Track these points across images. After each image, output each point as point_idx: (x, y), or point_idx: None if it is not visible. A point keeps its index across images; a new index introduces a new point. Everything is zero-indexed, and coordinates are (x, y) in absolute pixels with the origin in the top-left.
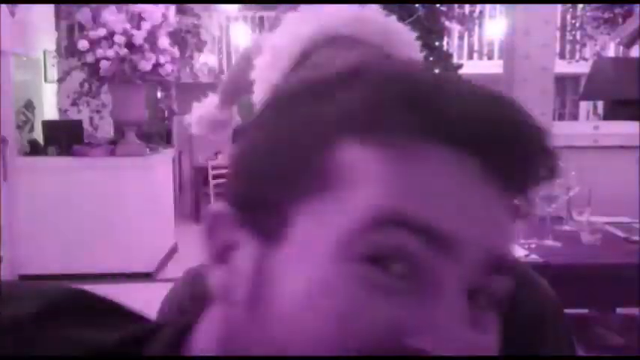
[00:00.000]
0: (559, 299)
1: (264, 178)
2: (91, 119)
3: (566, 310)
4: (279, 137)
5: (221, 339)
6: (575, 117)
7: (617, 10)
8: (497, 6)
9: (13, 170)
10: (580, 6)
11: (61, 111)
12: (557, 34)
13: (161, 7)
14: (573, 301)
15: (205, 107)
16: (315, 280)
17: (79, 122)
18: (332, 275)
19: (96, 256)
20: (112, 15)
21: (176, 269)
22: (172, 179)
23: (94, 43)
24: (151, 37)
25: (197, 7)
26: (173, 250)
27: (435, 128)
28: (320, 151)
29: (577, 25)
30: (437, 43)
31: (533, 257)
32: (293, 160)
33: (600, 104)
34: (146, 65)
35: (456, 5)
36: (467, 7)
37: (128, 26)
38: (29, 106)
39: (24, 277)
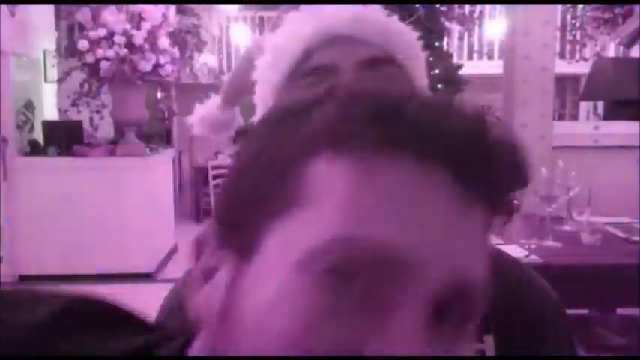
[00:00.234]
0: (559, 299)
1: (242, 199)
2: (91, 119)
3: (566, 310)
4: (257, 159)
5: (207, 351)
6: (575, 117)
7: (617, 10)
8: (497, 6)
9: (13, 170)
10: (580, 6)
11: (61, 111)
12: (557, 34)
13: (161, 7)
14: (573, 301)
15: (207, 108)
16: (280, 290)
17: (79, 122)
18: (296, 284)
19: (96, 256)
20: (112, 15)
21: (176, 269)
22: (172, 179)
23: (94, 44)
24: (151, 38)
25: (197, 7)
26: (173, 251)
27: (400, 141)
28: (290, 170)
29: (577, 25)
30: (437, 43)
31: (533, 257)
32: (266, 180)
33: (600, 104)
34: (146, 65)
35: (456, 5)
36: (467, 7)
37: (128, 26)
38: (29, 106)
39: (24, 277)
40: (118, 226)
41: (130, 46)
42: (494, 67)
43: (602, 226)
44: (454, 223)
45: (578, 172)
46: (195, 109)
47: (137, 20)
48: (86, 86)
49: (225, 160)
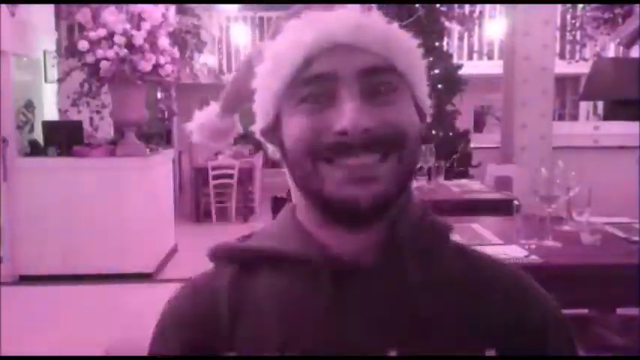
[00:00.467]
0: (561, 309)
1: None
2: (91, 120)
3: (566, 311)
4: None
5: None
6: (575, 117)
7: (617, 10)
8: (497, 6)
9: (13, 170)
10: (580, 6)
11: (61, 111)
12: (557, 34)
13: (161, 7)
14: (573, 301)
15: (206, 115)
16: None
17: (79, 123)
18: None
19: (96, 256)
20: (111, 15)
21: (176, 270)
22: (172, 179)
23: (94, 44)
24: (151, 38)
25: (197, 8)
26: (173, 251)
27: None
28: None
29: (577, 25)
30: (437, 44)
31: (534, 257)
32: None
33: (600, 104)
34: (146, 66)
35: (456, 5)
36: (467, 7)
37: (128, 26)
38: (29, 106)
39: (24, 277)
40: (118, 226)
41: (130, 46)
42: (494, 67)
43: (602, 226)
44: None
45: (578, 172)
46: (194, 116)
47: (137, 20)
48: (86, 86)
49: (225, 160)
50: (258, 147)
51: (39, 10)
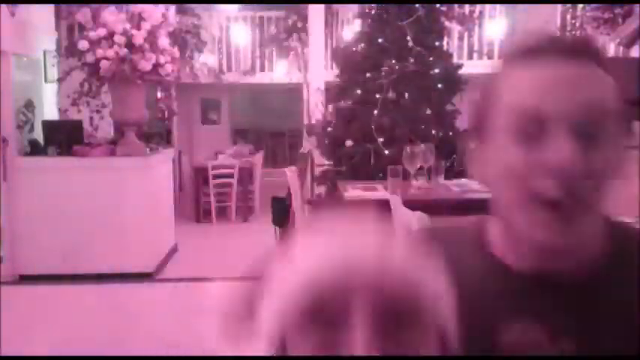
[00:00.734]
0: None
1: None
2: (91, 119)
3: None
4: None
5: None
6: None
7: (617, 10)
8: (497, 6)
9: (13, 170)
10: (580, 6)
11: (61, 111)
12: (557, 34)
13: (161, 7)
14: None
15: None
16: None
17: (79, 122)
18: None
19: (96, 256)
20: (111, 15)
21: (176, 269)
22: (172, 179)
23: (94, 43)
24: (151, 37)
25: (197, 7)
26: (173, 251)
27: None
28: None
29: (577, 25)
30: (437, 43)
31: None
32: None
33: None
34: (146, 65)
35: (456, 5)
36: (467, 7)
37: (128, 26)
38: (29, 106)
39: (24, 277)
40: (118, 226)
41: (130, 45)
42: (494, 67)
43: None
44: None
45: None
46: None
47: (137, 20)
48: (86, 86)
49: (225, 159)
50: (257, 147)
51: (39, 10)
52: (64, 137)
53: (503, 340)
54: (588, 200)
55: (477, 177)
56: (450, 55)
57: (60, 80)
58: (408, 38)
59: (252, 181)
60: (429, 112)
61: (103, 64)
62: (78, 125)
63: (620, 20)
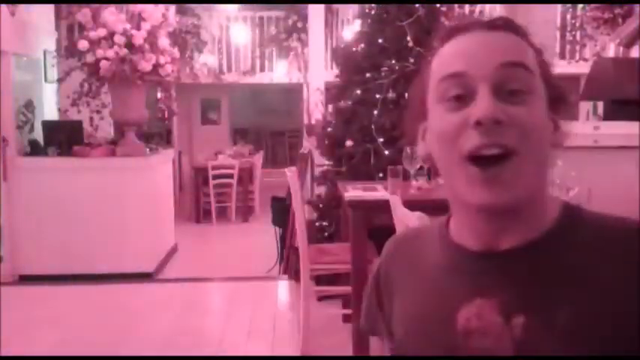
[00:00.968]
0: None
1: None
2: (91, 119)
3: None
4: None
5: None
6: (575, 117)
7: (617, 10)
8: (497, 6)
9: (13, 170)
10: (580, 6)
11: (61, 111)
12: (557, 34)
13: (161, 7)
14: None
15: None
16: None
17: (79, 122)
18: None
19: (96, 256)
20: (112, 15)
21: (176, 269)
22: (172, 179)
23: (94, 43)
24: (151, 38)
25: (197, 8)
26: (173, 251)
27: None
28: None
29: (577, 25)
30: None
31: None
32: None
33: (600, 104)
34: (146, 65)
35: (456, 5)
36: (467, 7)
37: (128, 26)
38: (29, 106)
39: (24, 277)
40: (118, 226)
41: (130, 46)
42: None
43: None
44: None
45: (578, 172)
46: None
47: (137, 20)
48: (86, 86)
49: (225, 159)
50: (257, 147)
51: (39, 10)
52: (64, 137)
53: (460, 317)
54: (515, 149)
55: (422, 153)
56: None
57: (60, 80)
58: (408, 38)
59: (252, 181)
60: None
61: (103, 64)
62: (78, 125)
63: (620, 20)
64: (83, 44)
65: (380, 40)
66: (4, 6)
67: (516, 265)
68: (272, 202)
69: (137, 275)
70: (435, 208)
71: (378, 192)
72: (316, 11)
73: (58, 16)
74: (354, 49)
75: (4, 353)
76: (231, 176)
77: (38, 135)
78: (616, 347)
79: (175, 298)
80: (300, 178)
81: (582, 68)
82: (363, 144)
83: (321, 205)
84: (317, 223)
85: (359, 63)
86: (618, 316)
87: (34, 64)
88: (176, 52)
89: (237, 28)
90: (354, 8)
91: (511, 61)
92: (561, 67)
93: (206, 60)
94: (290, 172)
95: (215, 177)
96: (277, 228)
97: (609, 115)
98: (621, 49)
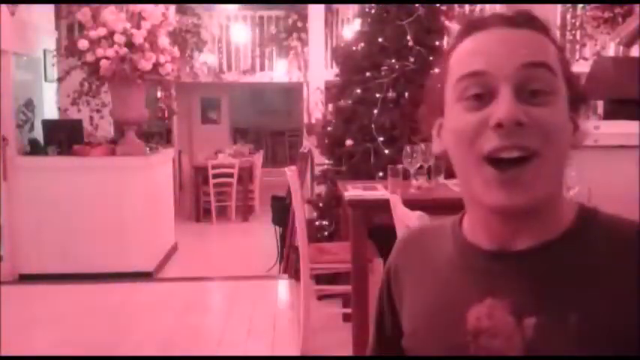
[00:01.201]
0: None
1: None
2: (91, 119)
3: None
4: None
5: None
6: None
7: (617, 10)
8: (497, 6)
9: (13, 169)
10: (580, 6)
11: (61, 110)
12: (557, 33)
13: (161, 6)
14: None
15: None
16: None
17: (79, 122)
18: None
19: (96, 256)
20: (112, 14)
21: (176, 269)
22: (172, 178)
23: (94, 43)
24: (151, 37)
25: (197, 7)
26: (173, 250)
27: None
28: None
29: (577, 24)
30: (437, 43)
31: None
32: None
33: (600, 104)
34: (146, 65)
35: (456, 5)
36: (467, 7)
37: (128, 25)
38: (29, 105)
39: (24, 277)
40: (118, 225)
41: (130, 45)
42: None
43: None
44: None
45: (578, 171)
46: None
47: (137, 19)
48: (86, 85)
49: (225, 159)
50: (257, 146)
51: (39, 9)
52: (64, 136)
53: (471, 316)
54: (536, 151)
55: (437, 150)
56: None
57: (60, 79)
58: (408, 38)
59: (252, 181)
60: None
61: (103, 63)
62: (78, 125)
63: (620, 20)
64: (83, 43)
65: (380, 40)
66: (4, 6)
67: (530, 265)
68: (272, 201)
69: (137, 274)
70: (435, 207)
71: (378, 191)
72: (316, 10)
73: (58, 16)
74: (354, 48)
75: (4, 353)
76: (231, 175)
77: (38, 134)
78: (628, 350)
79: (175, 298)
80: (300, 178)
81: (582, 67)
82: (363, 143)
83: (321, 205)
84: (317, 222)
85: (359, 62)
86: (631, 318)
87: (34, 64)
88: (176, 51)
89: (237, 28)
90: (354, 7)
91: (534, 61)
92: None
93: (206, 59)
94: (290, 172)
95: (215, 176)
96: (277, 227)
97: (609, 115)
98: (621, 48)
